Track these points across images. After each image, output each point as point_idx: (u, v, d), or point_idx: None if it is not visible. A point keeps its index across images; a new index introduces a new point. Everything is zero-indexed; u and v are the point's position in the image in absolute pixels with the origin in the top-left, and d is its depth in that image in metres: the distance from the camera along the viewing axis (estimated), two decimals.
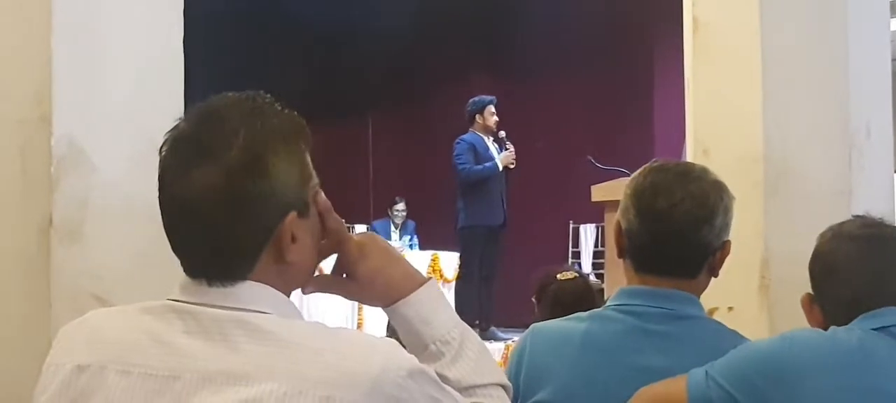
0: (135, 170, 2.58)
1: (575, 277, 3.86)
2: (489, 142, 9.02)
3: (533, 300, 3.85)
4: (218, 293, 1.34)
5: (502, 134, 8.98)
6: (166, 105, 2.66)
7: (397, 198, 10.97)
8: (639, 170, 2.14)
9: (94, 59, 2.57)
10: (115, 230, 2.55)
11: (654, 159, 2.17)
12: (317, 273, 1.52)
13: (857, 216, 2.16)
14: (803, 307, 2.15)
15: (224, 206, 1.32)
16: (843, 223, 2.15)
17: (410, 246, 10.38)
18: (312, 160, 1.43)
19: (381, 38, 11.93)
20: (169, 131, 1.39)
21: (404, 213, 10.97)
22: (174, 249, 1.38)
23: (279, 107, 1.40)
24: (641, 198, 2.08)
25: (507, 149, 8.94)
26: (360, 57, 12.25)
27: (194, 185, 1.32)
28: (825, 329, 2.07)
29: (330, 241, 1.48)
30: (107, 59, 2.58)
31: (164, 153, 1.37)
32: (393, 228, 10.82)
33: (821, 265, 2.11)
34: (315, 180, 1.43)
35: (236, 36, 12.46)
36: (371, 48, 12.08)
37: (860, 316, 2.01)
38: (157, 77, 2.66)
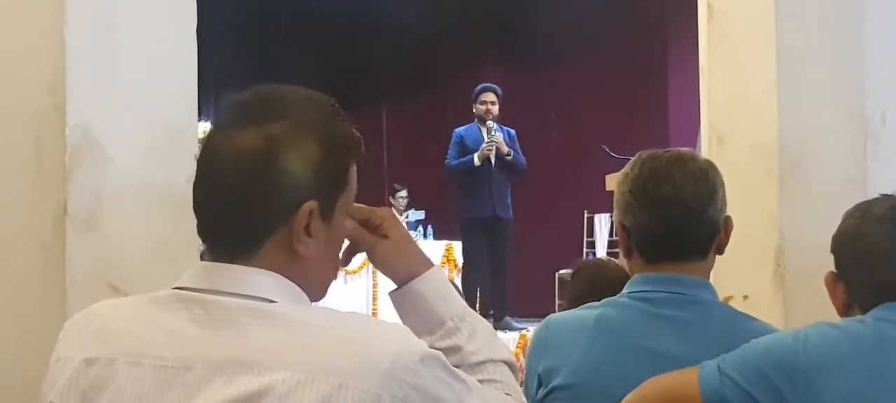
0: (149, 159, 2.58)
1: (618, 264, 3.87)
2: (486, 131, 8.89)
3: (570, 280, 3.81)
4: (226, 278, 1.34)
5: (491, 124, 8.83)
6: (180, 94, 2.67)
7: (397, 186, 10.90)
8: (627, 166, 2.14)
9: (108, 49, 2.57)
10: (129, 219, 2.56)
11: (639, 153, 2.17)
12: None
13: (885, 195, 2.13)
14: (827, 285, 2.14)
15: (253, 171, 1.33)
16: (870, 203, 2.12)
17: (424, 236, 10.36)
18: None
19: (395, 27, 11.94)
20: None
21: (407, 200, 10.88)
22: (194, 208, 1.39)
23: (330, 106, 1.41)
24: (645, 190, 2.08)
25: (491, 138, 8.82)
26: (375, 47, 12.26)
27: (232, 144, 1.34)
28: (848, 308, 2.06)
29: (358, 215, 1.53)
30: (121, 48, 2.58)
31: (216, 118, 1.40)
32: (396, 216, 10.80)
33: (852, 248, 2.08)
34: (351, 195, 1.45)
35: (250, 25, 12.49)
36: (385, 38, 12.09)
37: (884, 305, 1.99)
38: (172, 66, 2.66)
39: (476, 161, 8.70)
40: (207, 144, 1.38)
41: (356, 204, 1.51)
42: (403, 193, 10.94)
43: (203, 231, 1.38)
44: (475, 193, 8.81)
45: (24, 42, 2.55)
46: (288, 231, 1.36)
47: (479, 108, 8.87)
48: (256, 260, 1.35)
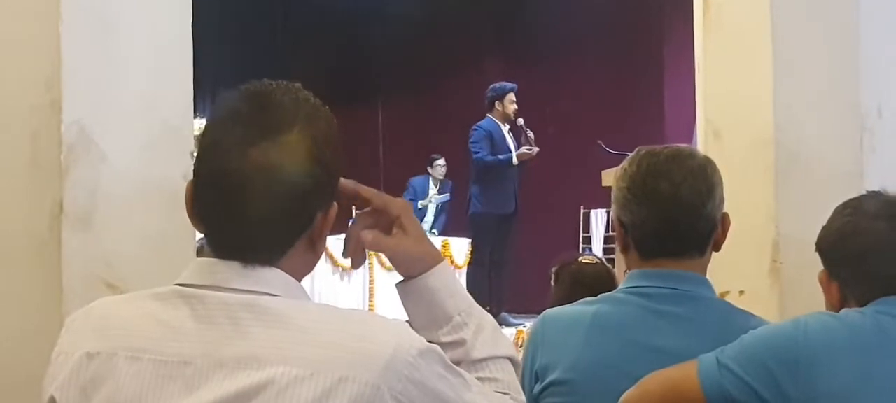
0: (145, 157, 2.59)
1: (597, 262, 3.87)
2: (505, 130, 9.04)
3: (551, 282, 3.83)
4: (228, 275, 1.33)
5: (520, 121, 9.00)
6: (176, 91, 2.67)
7: (435, 155, 10.69)
8: (625, 162, 2.14)
9: (104, 45, 2.57)
10: (125, 216, 2.56)
11: (637, 148, 2.17)
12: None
13: (872, 192, 2.14)
14: (821, 284, 2.14)
15: (280, 186, 1.32)
16: (859, 200, 2.12)
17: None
18: None
19: (391, 22, 11.92)
20: (216, 108, 1.39)
21: (445, 169, 10.57)
22: (207, 225, 1.37)
23: (316, 100, 1.41)
24: (643, 187, 2.08)
25: (527, 139, 8.94)
26: (371, 42, 12.24)
27: (252, 162, 1.31)
28: (843, 306, 2.06)
29: (375, 202, 1.51)
30: (116, 44, 2.58)
31: (212, 128, 1.36)
32: (432, 184, 10.60)
33: (848, 246, 2.07)
34: None
35: (246, 22, 12.47)
36: (381, 33, 12.06)
37: (883, 298, 1.99)
38: (167, 63, 2.66)
39: (515, 160, 8.90)
40: (217, 161, 1.33)
41: (371, 189, 1.51)
42: (441, 161, 10.65)
43: (222, 249, 1.36)
44: (502, 190, 8.98)
45: (20, 39, 2.55)
46: (309, 233, 1.37)
47: (509, 108, 9.03)
48: (279, 266, 1.36)
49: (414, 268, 1.53)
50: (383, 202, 1.52)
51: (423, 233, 1.56)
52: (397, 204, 1.54)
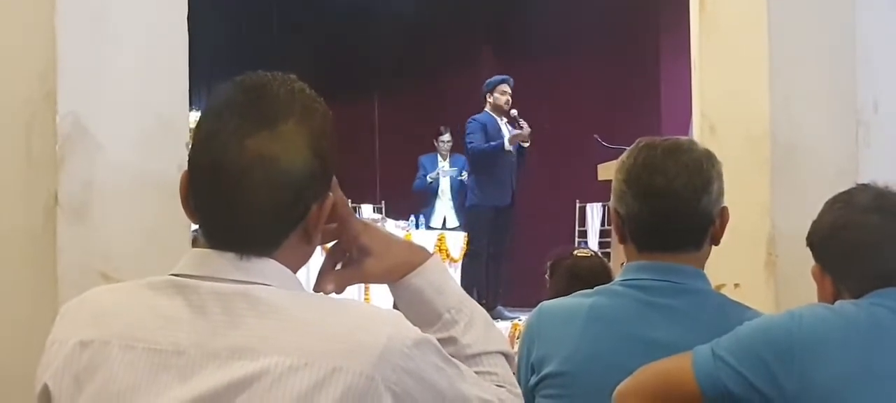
0: (140, 148, 2.58)
1: (592, 255, 3.86)
2: (502, 122, 9.06)
3: (546, 276, 3.82)
4: (223, 265, 1.33)
5: (514, 112, 9.01)
6: (171, 82, 2.67)
7: (442, 128, 10.55)
8: (625, 154, 2.14)
9: (99, 37, 2.56)
10: (121, 208, 2.56)
11: (638, 140, 2.16)
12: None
13: (862, 185, 2.13)
14: (815, 278, 2.14)
15: (277, 176, 1.31)
16: (849, 193, 2.11)
17: (416, 227, 10.22)
18: None
19: (387, 17, 11.91)
20: (212, 99, 1.38)
21: (450, 143, 10.31)
22: (202, 216, 1.37)
23: (311, 91, 1.40)
24: (638, 180, 2.08)
25: (520, 128, 8.92)
26: (367, 36, 12.22)
27: (249, 152, 1.31)
28: (836, 300, 2.05)
29: (338, 214, 1.46)
30: (111, 36, 2.58)
31: (208, 119, 1.35)
32: (440, 159, 10.45)
33: (840, 240, 2.07)
34: None
35: (241, 14, 12.46)
36: (377, 27, 12.05)
37: (879, 290, 1.99)
38: (162, 54, 2.66)
39: (507, 145, 8.88)
40: (213, 152, 1.33)
41: (341, 200, 1.46)
42: (447, 136, 10.48)
43: (216, 239, 1.35)
44: (498, 182, 9.01)
45: (15, 31, 2.55)
46: (304, 225, 1.37)
47: (498, 99, 9.05)
48: (274, 258, 1.36)
49: (393, 276, 1.52)
50: (346, 215, 1.49)
51: (389, 243, 1.54)
52: (352, 229, 1.51)
